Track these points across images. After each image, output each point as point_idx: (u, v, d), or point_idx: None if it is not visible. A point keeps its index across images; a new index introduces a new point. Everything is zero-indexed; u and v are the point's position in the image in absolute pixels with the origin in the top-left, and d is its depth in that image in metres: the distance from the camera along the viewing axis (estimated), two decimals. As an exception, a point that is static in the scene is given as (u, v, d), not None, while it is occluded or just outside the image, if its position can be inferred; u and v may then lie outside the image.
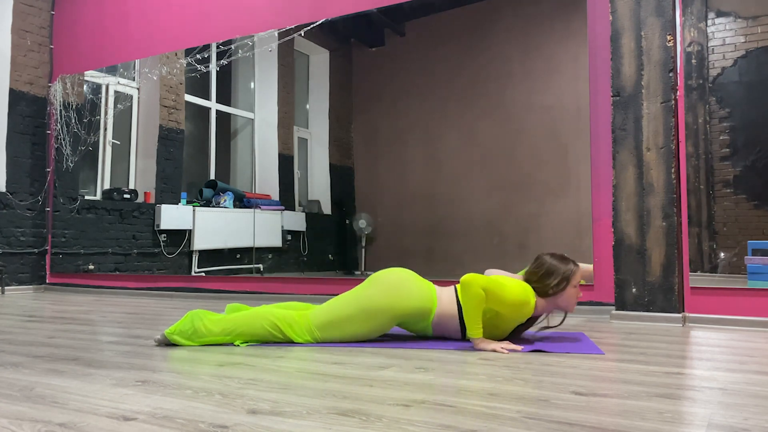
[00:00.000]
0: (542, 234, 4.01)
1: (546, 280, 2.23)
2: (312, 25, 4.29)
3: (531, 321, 2.32)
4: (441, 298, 2.29)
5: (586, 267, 2.42)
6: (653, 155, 3.01)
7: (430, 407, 1.37)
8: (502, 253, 4.17)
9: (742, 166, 3.38)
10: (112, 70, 5.29)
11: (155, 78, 5.16)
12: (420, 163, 4.73)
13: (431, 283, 2.36)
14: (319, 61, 5.44)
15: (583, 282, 2.34)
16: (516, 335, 2.33)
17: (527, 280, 2.28)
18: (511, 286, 2.18)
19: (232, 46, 4.74)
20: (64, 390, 1.56)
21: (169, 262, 4.94)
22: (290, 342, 2.27)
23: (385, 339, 2.38)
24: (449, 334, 2.33)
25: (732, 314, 2.85)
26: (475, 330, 2.12)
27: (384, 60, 5.02)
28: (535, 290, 2.24)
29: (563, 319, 2.41)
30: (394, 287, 2.27)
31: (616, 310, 3.04)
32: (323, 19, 4.25)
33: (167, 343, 2.27)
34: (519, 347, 2.13)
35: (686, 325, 2.87)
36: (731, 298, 2.89)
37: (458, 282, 2.19)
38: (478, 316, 2.11)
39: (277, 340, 2.26)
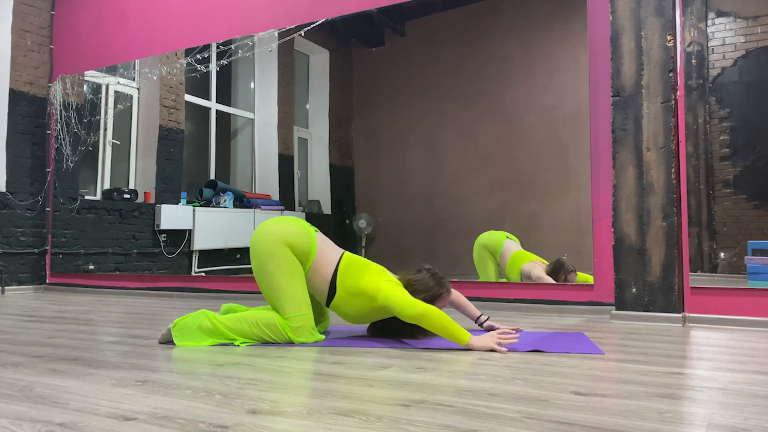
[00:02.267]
0: (542, 234, 4.01)
1: (416, 295, 2.29)
2: (312, 25, 4.29)
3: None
4: (322, 254, 2.32)
5: (457, 296, 2.53)
6: (653, 155, 3.01)
7: (430, 407, 1.37)
8: (502, 253, 4.18)
9: (742, 166, 3.38)
10: (112, 70, 5.29)
11: (155, 78, 5.16)
12: (420, 163, 4.73)
13: (312, 228, 2.39)
14: (319, 61, 5.44)
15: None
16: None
17: (402, 278, 2.35)
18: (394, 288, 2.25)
19: (232, 46, 4.74)
20: (64, 390, 1.56)
21: (169, 262, 4.94)
22: (288, 342, 2.27)
23: (385, 339, 2.38)
24: (314, 292, 2.35)
25: (732, 314, 2.85)
26: (461, 339, 2.13)
27: (384, 60, 5.02)
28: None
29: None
30: (270, 229, 2.32)
31: (616, 310, 3.04)
32: (323, 19, 4.25)
33: (169, 341, 2.29)
34: (514, 339, 2.13)
35: (686, 325, 2.87)
36: (731, 298, 2.89)
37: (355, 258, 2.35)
38: (453, 326, 2.13)
39: (273, 341, 2.27)
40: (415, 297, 2.26)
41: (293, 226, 2.35)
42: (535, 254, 3.73)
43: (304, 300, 2.28)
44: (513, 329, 2.43)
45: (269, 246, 2.28)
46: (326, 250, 2.35)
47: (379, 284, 2.26)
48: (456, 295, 2.59)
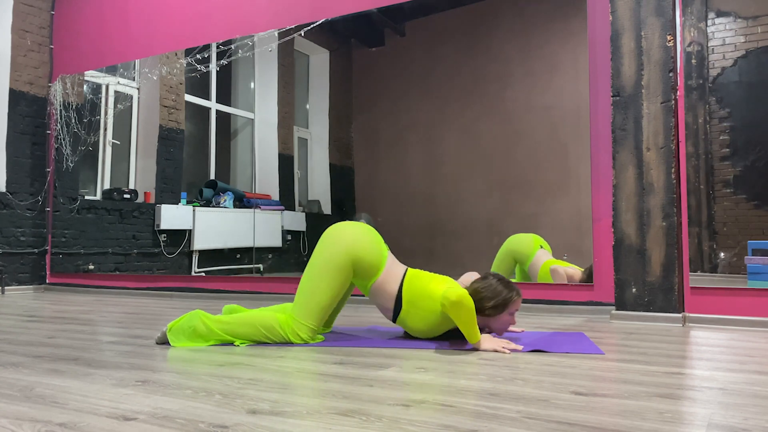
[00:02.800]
0: (542, 234, 4.00)
1: (485, 302, 2.26)
2: (312, 25, 4.29)
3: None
4: (389, 270, 2.32)
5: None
6: (653, 155, 3.01)
7: (430, 407, 1.37)
8: (502, 253, 4.17)
9: (742, 166, 3.38)
10: (112, 70, 5.29)
11: (155, 78, 5.16)
12: (420, 163, 4.73)
13: (385, 245, 2.39)
14: (319, 61, 5.44)
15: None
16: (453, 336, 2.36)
17: (472, 291, 2.29)
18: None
19: (232, 46, 4.74)
20: (64, 390, 1.55)
21: (169, 262, 4.94)
22: (288, 343, 2.27)
23: (385, 339, 2.38)
24: (380, 307, 2.37)
25: (732, 314, 2.85)
26: (474, 336, 2.13)
27: (384, 60, 5.02)
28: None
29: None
30: (347, 236, 2.31)
31: (616, 310, 3.04)
32: (323, 19, 4.25)
33: (166, 341, 2.29)
34: (519, 347, 2.14)
35: (686, 325, 2.87)
36: (731, 298, 2.89)
37: (407, 268, 2.34)
38: (475, 324, 2.13)
39: (272, 342, 2.27)
40: (485, 304, 2.25)
41: (369, 239, 2.34)
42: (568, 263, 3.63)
43: (324, 317, 2.30)
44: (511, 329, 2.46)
45: (335, 251, 2.28)
46: (393, 267, 2.36)
47: (444, 288, 2.22)
48: None
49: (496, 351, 2.10)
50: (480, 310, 2.26)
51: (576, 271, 3.50)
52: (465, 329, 2.12)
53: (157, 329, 2.69)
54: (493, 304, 2.26)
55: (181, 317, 2.31)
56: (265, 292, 4.33)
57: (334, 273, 2.27)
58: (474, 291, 2.28)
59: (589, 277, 3.37)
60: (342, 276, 2.28)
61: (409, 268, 2.38)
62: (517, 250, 3.84)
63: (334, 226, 2.40)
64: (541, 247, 3.76)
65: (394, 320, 2.36)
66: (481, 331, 2.35)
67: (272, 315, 2.28)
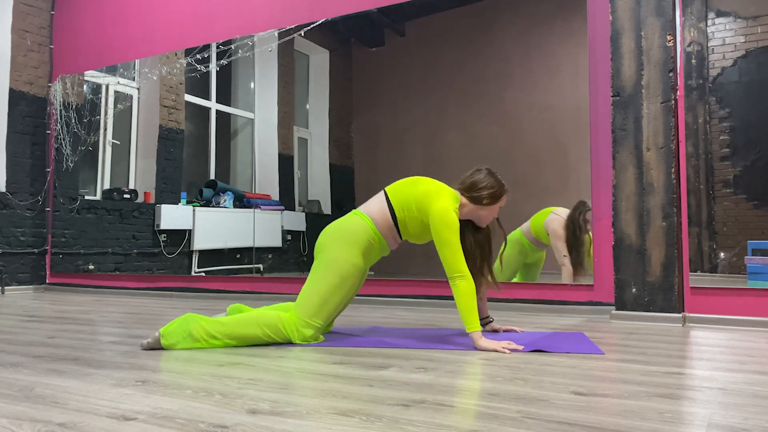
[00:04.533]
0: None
1: (483, 191, 2.40)
2: (312, 25, 4.29)
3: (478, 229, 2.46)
4: (372, 215, 2.39)
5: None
6: (653, 155, 3.01)
7: (430, 407, 1.37)
8: (502, 253, 4.16)
9: (742, 166, 3.38)
10: (112, 70, 5.29)
11: (155, 78, 5.16)
12: (420, 163, 4.72)
13: (357, 210, 2.45)
14: (319, 61, 5.44)
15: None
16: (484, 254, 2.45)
17: (464, 183, 2.44)
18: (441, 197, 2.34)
19: (232, 46, 4.74)
20: (64, 390, 1.56)
21: (169, 262, 4.94)
22: (288, 342, 2.26)
23: (385, 339, 2.38)
24: (391, 241, 2.44)
25: (732, 314, 2.85)
26: (472, 322, 2.15)
27: (384, 60, 5.02)
28: (466, 196, 2.41)
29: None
30: (343, 235, 2.36)
31: (616, 310, 3.04)
32: (323, 19, 4.25)
33: (156, 348, 2.19)
34: (520, 347, 2.14)
35: (686, 325, 2.87)
36: (731, 298, 2.89)
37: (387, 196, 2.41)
38: (473, 310, 2.18)
39: (273, 342, 2.25)
40: (482, 193, 2.37)
41: (354, 226, 2.39)
42: (551, 206, 3.71)
43: (328, 316, 2.32)
44: (511, 329, 2.52)
45: (340, 250, 2.32)
46: (372, 204, 2.44)
47: (432, 202, 2.32)
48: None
49: (496, 351, 2.10)
50: (478, 200, 2.39)
51: (561, 219, 3.59)
52: (464, 311, 2.19)
53: (158, 329, 2.69)
54: (490, 194, 2.39)
55: (173, 322, 2.23)
56: (265, 292, 4.33)
57: (353, 279, 2.32)
58: (471, 185, 2.41)
59: (572, 232, 3.45)
60: (359, 281, 2.37)
61: (386, 188, 2.46)
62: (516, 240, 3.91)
63: (334, 224, 2.42)
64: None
65: (401, 237, 2.43)
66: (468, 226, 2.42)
67: (276, 314, 2.27)
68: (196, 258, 4.94)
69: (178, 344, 2.19)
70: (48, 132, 5.43)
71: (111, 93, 5.30)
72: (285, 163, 5.35)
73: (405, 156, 4.81)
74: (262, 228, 5.04)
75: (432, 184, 2.42)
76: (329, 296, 2.28)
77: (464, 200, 2.41)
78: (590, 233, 3.42)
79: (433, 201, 2.31)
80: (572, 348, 2.16)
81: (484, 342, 2.14)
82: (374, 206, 2.42)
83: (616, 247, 3.07)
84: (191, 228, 4.97)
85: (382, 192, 2.46)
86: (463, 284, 2.21)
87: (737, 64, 3.44)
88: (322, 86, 5.47)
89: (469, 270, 2.27)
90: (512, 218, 4.17)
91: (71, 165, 5.25)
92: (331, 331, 2.60)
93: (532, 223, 3.77)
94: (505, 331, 2.55)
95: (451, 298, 2.71)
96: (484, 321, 2.56)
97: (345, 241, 2.33)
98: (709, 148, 3.46)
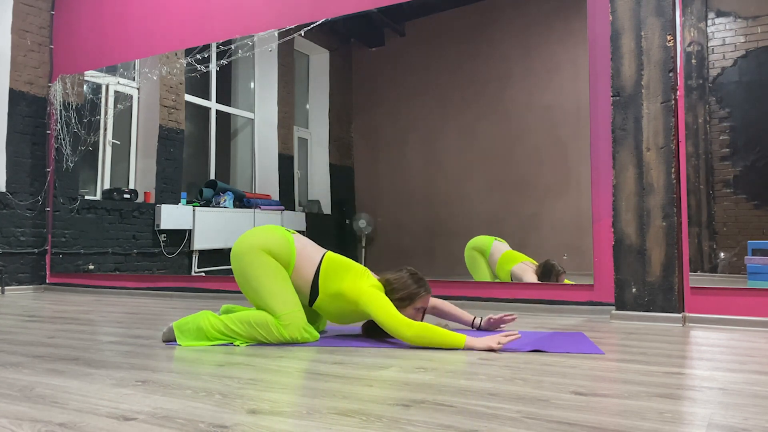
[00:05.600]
0: (542, 234, 4.01)
1: (394, 293, 2.30)
2: (312, 25, 4.29)
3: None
4: (302, 256, 2.32)
5: (441, 303, 2.56)
6: (653, 155, 3.01)
7: (430, 407, 1.37)
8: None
9: (742, 166, 3.38)
10: (112, 70, 5.29)
11: (155, 78, 5.16)
12: (420, 162, 4.73)
13: (289, 233, 2.39)
14: (319, 61, 5.44)
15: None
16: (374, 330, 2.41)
17: (384, 282, 2.35)
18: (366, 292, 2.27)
19: (232, 46, 4.74)
20: (64, 390, 1.56)
21: (169, 262, 4.94)
22: (282, 342, 2.26)
23: (385, 339, 2.38)
24: (302, 296, 2.35)
25: (732, 314, 2.85)
26: (456, 342, 2.14)
27: (384, 60, 5.02)
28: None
29: None
30: (248, 241, 2.33)
31: (616, 310, 3.04)
32: (323, 19, 4.25)
33: (171, 339, 2.30)
34: (515, 335, 2.13)
35: (686, 325, 2.87)
36: (731, 298, 2.89)
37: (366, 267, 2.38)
38: (446, 336, 2.16)
39: (267, 341, 2.26)
40: (393, 296, 2.28)
41: (270, 233, 2.37)
42: (525, 255, 3.74)
43: (291, 299, 2.28)
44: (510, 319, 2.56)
45: (248, 255, 2.30)
46: (307, 252, 2.36)
47: (361, 288, 2.27)
48: (440, 302, 2.62)
49: (491, 349, 2.09)
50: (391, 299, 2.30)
51: (532, 267, 3.61)
52: (442, 345, 2.15)
53: (158, 329, 2.69)
54: (401, 296, 2.30)
55: (189, 316, 2.33)
56: (265, 292, 4.33)
57: (262, 265, 2.27)
58: (386, 282, 2.33)
59: (543, 274, 3.48)
60: (270, 265, 2.28)
61: (327, 253, 2.39)
62: (477, 246, 3.96)
63: (235, 243, 2.40)
64: (496, 239, 3.92)
65: (311, 305, 2.37)
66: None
67: (267, 314, 2.28)
68: (196, 258, 4.94)
69: (188, 338, 2.27)
70: (48, 132, 5.43)
71: (111, 93, 5.30)
72: (285, 163, 5.35)
73: (405, 156, 4.81)
74: (262, 228, 5.03)
75: (358, 278, 2.33)
76: (267, 285, 2.25)
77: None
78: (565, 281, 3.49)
79: (358, 292, 2.26)
80: (572, 348, 2.16)
81: (477, 343, 2.12)
82: (306, 258, 2.34)
83: (616, 247, 3.07)
84: (191, 228, 4.97)
85: (318, 257, 2.36)
86: (414, 331, 2.15)
87: (737, 64, 3.44)
88: (322, 86, 5.47)
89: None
90: (512, 218, 4.18)
91: (71, 165, 5.25)
92: (328, 330, 2.60)
93: (498, 265, 3.80)
94: (500, 319, 2.56)
95: (451, 297, 2.71)
96: (475, 324, 2.58)
97: (253, 246, 2.31)
98: (709, 148, 3.46)
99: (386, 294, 2.30)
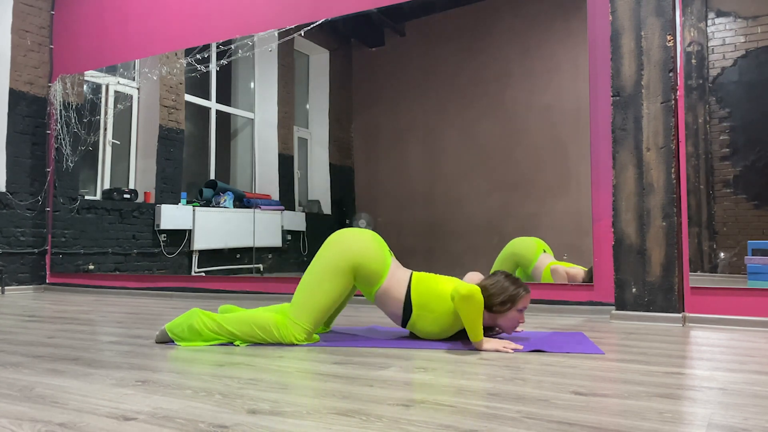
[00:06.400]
0: (542, 234, 4.00)
1: (493, 298, 2.26)
2: (312, 25, 4.29)
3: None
4: (393, 275, 2.32)
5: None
6: (653, 155, 3.01)
7: (430, 407, 1.37)
8: (502, 253, 4.16)
9: (742, 166, 3.38)
10: (112, 70, 5.29)
11: (155, 78, 5.16)
12: (420, 163, 4.73)
13: (389, 253, 2.39)
14: (319, 61, 5.44)
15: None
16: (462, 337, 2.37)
17: (481, 289, 2.28)
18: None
19: (232, 46, 4.74)
20: (64, 390, 1.55)
21: (169, 262, 4.94)
22: (284, 343, 2.26)
23: (385, 339, 2.38)
24: (388, 314, 2.36)
25: (732, 314, 2.85)
26: (478, 334, 2.14)
27: (384, 60, 5.02)
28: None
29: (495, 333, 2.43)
30: (351, 242, 2.31)
31: (616, 310, 3.04)
32: (323, 19, 4.25)
33: (166, 340, 2.30)
34: (520, 346, 2.14)
35: (686, 325, 2.87)
36: (731, 298, 2.89)
37: (412, 272, 2.34)
38: (480, 323, 2.14)
39: (266, 342, 2.26)
40: (493, 301, 2.24)
41: (373, 245, 2.34)
42: (572, 263, 3.62)
43: (322, 319, 2.29)
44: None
45: (338, 256, 2.28)
46: (397, 272, 2.35)
47: (454, 282, 2.28)
48: None
49: (497, 351, 2.11)
50: (489, 307, 2.26)
51: (579, 270, 3.49)
52: (469, 325, 2.12)
53: (157, 329, 2.69)
54: (501, 300, 2.25)
55: (179, 317, 2.31)
56: (265, 292, 4.33)
57: (336, 278, 2.26)
58: (482, 288, 2.26)
59: (590, 278, 3.37)
60: (343, 281, 2.28)
61: (414, 272, 2.38)
62: (519, 254, 3.82)
63: (339, 231, 2.40)
64: (544, 251, 3.75)
65: (404, 325, 2.35)
66: (492, 330, 2.37)
67: (268, 315, 2.27)
68: (196, 258, 4.94)
69: (181, 339, 2.27)
70: (48, 132, 5.43)
71: (111, 93, 5.30)
72: (285, 163, 5.35)
73: (405, 156, 4.81)
74: (262, 228, 5.04)
75: (450, 281, 2.33)
76: (318, 300, 2.25)
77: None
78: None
79: (452, 286, 2.25)
80: (572, 348, 2.16)
81: (486, 343, 2.14)
82: (399, 275, 2.34)
83: (616, 247, 3.07)
84: (191, 228, 4.97)
85: (407, 275, 2.35)
86: (475, 298, 2.11)
87: (737, 64, 3.44)
88: (322, 86, 5.47)
89: None
90: (512, 218, 4.18)
91: (71, 165, 5.25)
92: (331, 331, 2.60)
93: (542, 277, 3.67)
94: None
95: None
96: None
97: (350, 252, 2.29)
98: (709, 148, 3.46)
99: (485, 299, 2.23)
